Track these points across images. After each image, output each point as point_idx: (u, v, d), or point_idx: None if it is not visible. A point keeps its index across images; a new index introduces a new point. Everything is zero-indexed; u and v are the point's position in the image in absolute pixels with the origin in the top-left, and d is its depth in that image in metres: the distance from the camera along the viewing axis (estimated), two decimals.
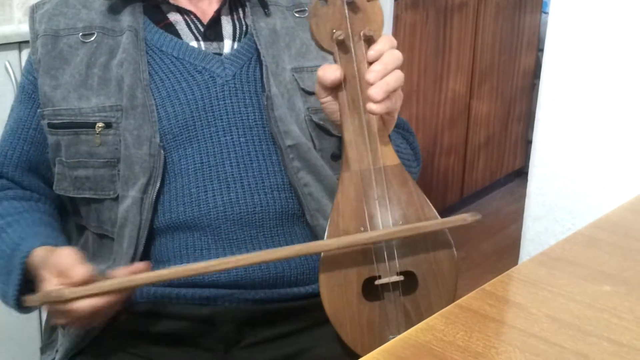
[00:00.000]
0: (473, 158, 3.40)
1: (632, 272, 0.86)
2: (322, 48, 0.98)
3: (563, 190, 1.44)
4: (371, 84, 0.93)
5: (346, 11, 0.97)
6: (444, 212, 3.57)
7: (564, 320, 0.75)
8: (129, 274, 0.95)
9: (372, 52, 0.95)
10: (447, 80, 3.09)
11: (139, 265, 0.97)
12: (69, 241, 1.16)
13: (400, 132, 1.23)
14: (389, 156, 0.98)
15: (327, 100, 0.99)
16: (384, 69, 0.93)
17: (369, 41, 0.97)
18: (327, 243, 0.96)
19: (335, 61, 0.97)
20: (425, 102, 2.99)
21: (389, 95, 0.93)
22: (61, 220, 1.19)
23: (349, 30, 0.97)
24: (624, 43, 1.33)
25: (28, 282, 1.02)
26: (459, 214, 0.99)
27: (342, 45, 0.97)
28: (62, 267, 0.95)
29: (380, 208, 0.97)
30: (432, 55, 2.94)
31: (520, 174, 3.69)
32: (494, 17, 3.26)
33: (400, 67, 0.96)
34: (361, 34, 0.97)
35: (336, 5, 0.97)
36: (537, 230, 1.50)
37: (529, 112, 3.65)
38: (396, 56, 0.95)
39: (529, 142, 3.53)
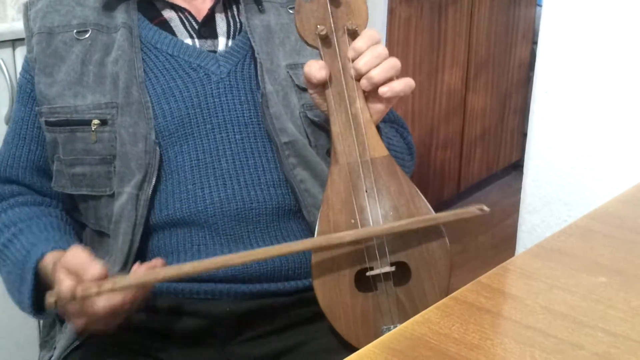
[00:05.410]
0: (469, 151, 3.40)
1: (627, 263, 0.86)
2: (307, 44, 0.99)
3: (558, 183, 1.45)
4: (360, 78, 0.97)
5: (329, 6, 0.98)
6: (440, 206, 3.55)
7: (559, 312, 0.75)
8: (146, 271, 0.95)
9: (351, 51, 0.97)
10: (442, 74, 3.09)
11: (156, 262, 0.97)
12: (81, 243, 1.16)
13: (395, 127, 1.23)
14: (377, 148, 0.99)
15: (315, 92, 1.00)
16: (365, 68, 0.96)
17: (354, 35, 0.98)
18: (340, 235, 0.96)
19: (320, 57, 0.98)
20: (421, 96, 2.99)
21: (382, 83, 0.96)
22: (74, 223, 1.19)
23: (332, 25, 0.98)
24: (617, 35, 1.33)
25: (41, 289, 1.02)
26: (464, 207, 0.98)
27: (326, 41, 0.98)
28: (75, 266, 0.94)
29: (369, 200, 0.97)
30: (427, 49, 2.94)
31: (517, 167, 3.69)
32: (489, 10, 3.26)
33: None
34: (345, 28, 0.97)
35: (319, 1, 0.98)
36: (533, 222, 1.50)
37: (525, 105, 3.65)
38: (377, 54, 0.96)
39: (525, 135, 3.53)
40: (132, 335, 1.07)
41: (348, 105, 0.98)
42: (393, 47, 2.70)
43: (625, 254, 0.89)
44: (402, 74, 0.98)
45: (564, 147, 1.42)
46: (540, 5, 1.57)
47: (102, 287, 0.91)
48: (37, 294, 1.03)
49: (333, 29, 0.98)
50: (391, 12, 2.70)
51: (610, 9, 1.32)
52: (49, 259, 1.02)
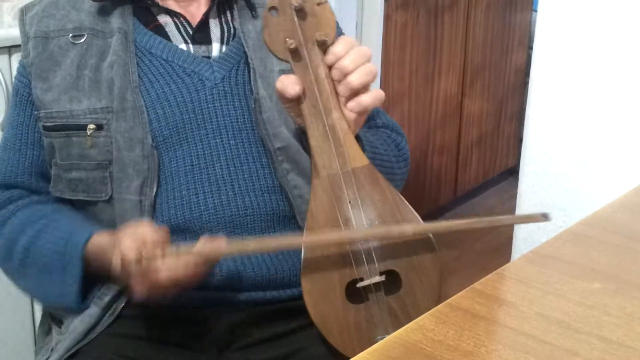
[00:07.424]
0: (466, 157, 3.40)
1: (621, 269, 0.86)
2: (278, 58, 0.98)
3: (554, 188, 1.45)
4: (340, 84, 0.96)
5: (296, 19, 0.97)
6: (436, 212, 3.54)
7: (554, 318, 0.75)
8: (211, 244, 0.95)
9: (330, 55, 0.96)
10: (438, 80, 3.09)
11: (219, 238, 0.97)
12: None
13: (387, 132, 1.23)
14: (357, 158, 0.98)
15: (289, 107, 1.00)
16: (341, 73, 0.95)
17: (323, 46, 0.97)
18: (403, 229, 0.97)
19: (292, 70, 0.97)
20: (417, 101, 2.99)
21: (356, 93, 0.96)
22: None
23: (301, 37, 0.97)
24: (612, 40, 1.33)
25: (88, 276, 1.03)
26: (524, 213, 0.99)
27: (296, 54, 0.97)
28: (139, 233, 0.95)
29: (353, 211, 0.97)
30: (423, 54, 2.95)
31: (513, 172, 3.69)
32: (485, 15, 3.27)
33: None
34: (314, 39, 0.97)
35: (286, 14, 0.97)
36: (529, 228, 1.51)
37: (521, 110, 3.65)
38: (360, 54, 0.96)
39: (521, 141, 3.53)
40: (129, 344, 1.06)
41: (324, 117, 0.97)
42: (389, 53, 2.71)
43: (621, 260, 0.89)
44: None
45: (559, 153, 1.43)
46: (536, 11, 1.58)
47: (166, 251, 0.93)
48: (82, 282, 1.03)
49: (302, 41, 0.97)
50: (387, 18, 2.70)
51: (606, 14, 1.33)
52: (99, 239, 1.02)
